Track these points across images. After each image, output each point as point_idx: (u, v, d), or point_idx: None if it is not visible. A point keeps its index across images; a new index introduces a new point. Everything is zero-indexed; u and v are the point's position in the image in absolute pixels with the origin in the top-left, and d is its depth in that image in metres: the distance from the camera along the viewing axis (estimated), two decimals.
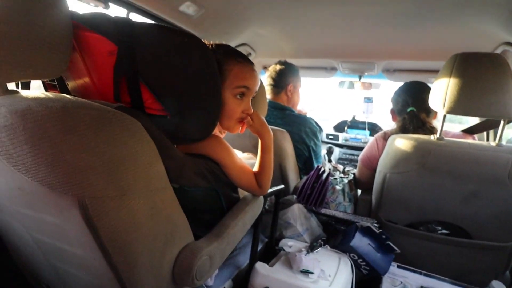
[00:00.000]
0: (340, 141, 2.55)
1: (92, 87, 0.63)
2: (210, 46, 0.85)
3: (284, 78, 1.61)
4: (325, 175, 1.29)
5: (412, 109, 1.35)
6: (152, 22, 1.33)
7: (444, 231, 1.18)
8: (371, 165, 1.42)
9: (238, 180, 0.84)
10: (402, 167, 1.13)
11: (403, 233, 1.23)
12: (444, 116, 1.05)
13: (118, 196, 0.48)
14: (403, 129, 1.32)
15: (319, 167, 1.31)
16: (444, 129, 1.38)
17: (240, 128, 0.89)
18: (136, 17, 1.25)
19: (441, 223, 1.18)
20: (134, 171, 0.50)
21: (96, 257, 0.50)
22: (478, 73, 0.98)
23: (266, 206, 1.27)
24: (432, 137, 1.08)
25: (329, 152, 2.15)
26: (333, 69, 2.10)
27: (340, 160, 2.45)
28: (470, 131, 1.42)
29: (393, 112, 1.49)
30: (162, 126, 0.65)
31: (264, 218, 1.23)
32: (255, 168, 0.90)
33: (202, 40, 0.69)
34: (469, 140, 1.18)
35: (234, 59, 0.83)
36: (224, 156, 0.79)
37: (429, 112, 1.35)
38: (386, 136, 1.39)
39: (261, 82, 1.33)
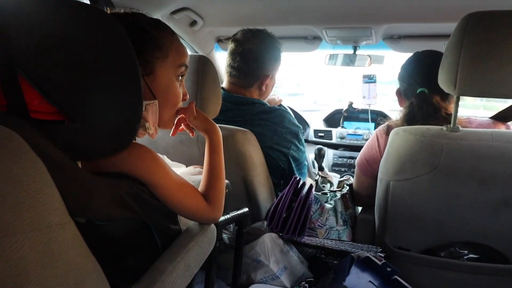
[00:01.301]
0: (334, 140, 2.64)
1: None
2: (128, 17, 0.89)
3: (263, 65, 1.60)
4: (305, 189, 1.34)
5: (423, 90, 1.44)
6: None
7: (472, 255, 1.27)
8: (371, 172, 1.49)
9: (177, 204, 0.88)
10: (408, 171, 1.21)
11: (419, 262, 1.30)
12: (457, 98, 1.14)
13: None
14: (409, 118, 1.41)
15: (297, 178, 1.37)
16: (469, 115, 1.49)
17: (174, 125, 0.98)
18: None
19: (468, 244, 1.27)
20: (13, 203, 0.51)
21: None
22: (498, 39, 1.07)
23: (226, 240, 1.31)
24: (444, 128, 1.17)
25: (319, 156, 2.23)
26: (316, 39, 2.18)
27: (334, 167, 2.53)
28: (502, 118, 1.50)
29: (399, 94, 1.58)
30: (58, 136, 0.67)
31: (224, 256, 1.27)
32: (202, 182, 0.96)
33: (111, 9, 0.74)
34: (496, 129, 1.28)
35: (168, 32, 0.92)
36: (153, 171, 0.82)
37: (445, 93, 1.43)
38: (389, 130, 1.46)
39: (212, 66, 1.36)
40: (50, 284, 0.58)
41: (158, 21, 0.93)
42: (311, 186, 1.35)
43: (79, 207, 0.66)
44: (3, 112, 0.64)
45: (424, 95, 1.42)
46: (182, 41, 1.01)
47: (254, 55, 1.59)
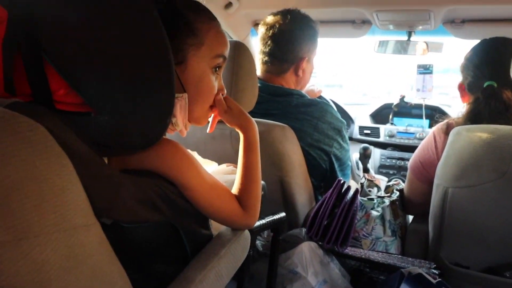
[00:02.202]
0: (381, 138, 2.59)
1: None
2: None
3: (296, 47, 1.60)
4: (350, 193, 1.32)
5: (491, 84, 1.39)
6: None
7: None
8: (426, 176, 1.45)
9: (208, 208, 0.88)
10: (470, 177, 1.17)
11: (479, 282, 1.26)
12: None
13: (13, 240, 0.51)
14: (474, 116, 1.37)
15: (341, 181, 1.35)
16: None
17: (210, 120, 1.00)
18: None
19: None
20: (36, 202, 0.53)
21: None
22: None
23: (260, 247, 1.31)
24: None
25: (364, 156, 2.19)
26: (365, 23, 2.14)
27: (382, 169, 2.50)
28: None
29: (462, 87, 1.53)
30: (84, 130, 0.68)
31: (257, 265, 1.27)
32: (236, 184, 0.96)
33: None
34: None
35: (206, 16, 0.92)
36: (183, 170, 0.83)
37: None
38: (449, 129, 1.42)
39: (249, 53, 1.36)
40: None
41: (197, 4, 0.93)
42: (357, 190, 1.33)
43: (105, 207, 0.68)
44: (27, 103, 0.65)
45: (492, 89, 1.37)
46: None
47: (286, 36, 1.58)
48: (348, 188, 1.34)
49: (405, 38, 2.27)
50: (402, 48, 2.35)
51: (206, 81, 0.91)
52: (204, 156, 1.33)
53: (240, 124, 1.00)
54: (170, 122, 0.78)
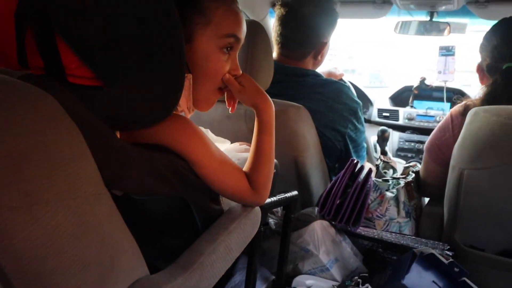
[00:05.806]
0: (400, 121, 2.57)
1: None
2: None
3: (320, 32, 1.57)
4: (364, 173, 1.32)
5: (510, 66, 1.36)
6: None
7: None
8: (442, 158, 1.44)
9: (217, 184, 0.89)
10: (487, 159, 1.16)
11: (493, 264, 1.26)
12: None
13: (25, 206, 0.53)
14: (492, 98, 1.34)
15: (354, 161, 1.35)
16: None
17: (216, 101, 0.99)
18: None
19: None
20: (47, 170, 0.55)
21: None
22: None
23: (273, 225, 1.32)
24: None
25: (382, 138, 2.17)
26: (385, 3, 2.11)
27: (400, 152, 2.48)
28: None
29: (480, 69, 1.51)
30: (95, 103, 0.70)
31: (269, 243, 1.29)
32: (248, 163, 0.96)
33: None
34: None
35: None
36: (193, 146, 0.84)
37: None
38: (467, 111, 1.41)
39: (264, 32, 1.35)
40: (84, 257, 0.61)
41: None
42: (370, 170, 1.33)
43: (116, 178, 0.69)
44: (40, 76, 0.67)
45: (511, 71, 1.34)
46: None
47: (310, 21, 1.54)
48: (362, 168, 1.34)
49: (426, 18, 2.24)
50: (425, 29, 2.31)
51: (213, 61, 0.90)
52: (218, 135, 1.34)
53: (254, 104, 0.97)
54: (180, 97, 0.79)
